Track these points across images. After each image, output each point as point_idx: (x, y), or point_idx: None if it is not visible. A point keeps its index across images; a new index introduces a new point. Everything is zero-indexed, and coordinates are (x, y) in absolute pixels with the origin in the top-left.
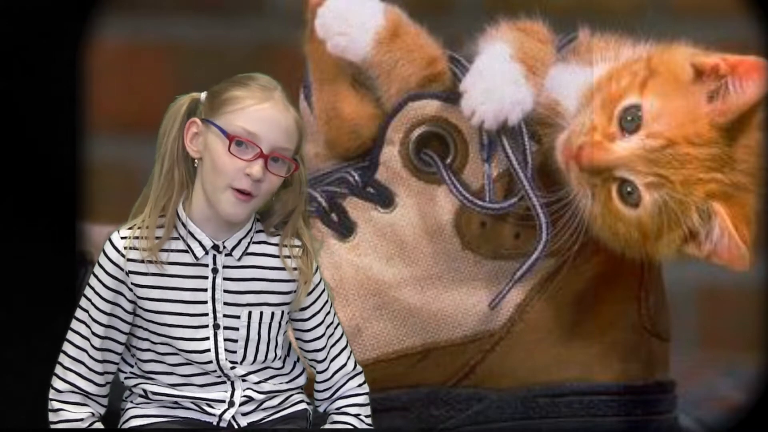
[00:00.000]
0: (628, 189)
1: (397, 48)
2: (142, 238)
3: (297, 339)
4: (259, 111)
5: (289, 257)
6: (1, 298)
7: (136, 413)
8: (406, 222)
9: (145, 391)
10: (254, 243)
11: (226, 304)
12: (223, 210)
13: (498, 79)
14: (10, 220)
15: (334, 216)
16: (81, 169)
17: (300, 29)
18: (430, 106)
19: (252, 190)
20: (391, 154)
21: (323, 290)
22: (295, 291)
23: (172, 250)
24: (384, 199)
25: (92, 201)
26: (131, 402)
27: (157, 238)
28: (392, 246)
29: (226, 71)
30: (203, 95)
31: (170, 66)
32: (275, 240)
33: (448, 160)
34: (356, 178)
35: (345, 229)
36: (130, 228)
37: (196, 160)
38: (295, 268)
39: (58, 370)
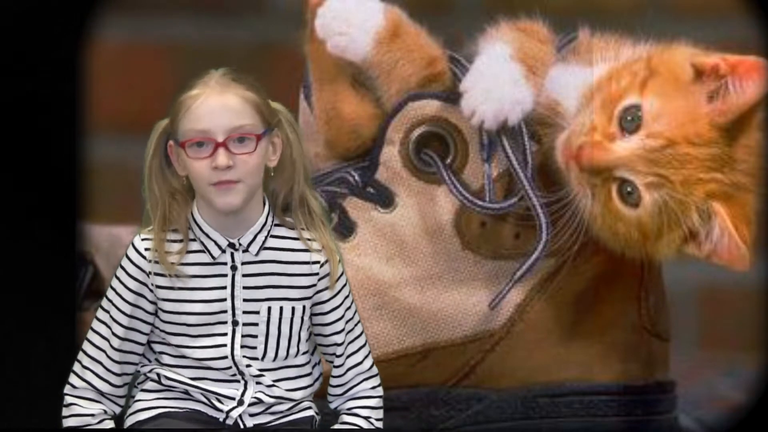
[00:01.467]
0: (628, 189)
1: (397, 48)
2: (157, 251)
3: (317, 334)
4: (197, 106)
5: (310, 240)
6: (1, 298)
7: (143, 406)
8: (406, 222)
9: (158, 375)
10: (272, 237)
11: (245, 300)
12: (217, 205)
13: (498, 79)
14: (10, 219)
15: (334, 216)
16: (81, 169)
17: (300, 29)
18: (430, 106)
19: (230, 177)
20: (391, 154)
21: (344, 284)
22: (314, 285)
23: (190, 251)
24: (384, 199)
25: (92, 201)
26: (142, 389)
27: (174, 242)
28: (392, 246)
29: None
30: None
31: (170, 66)
32: (294, 234)
33: (448, 160)
34: (356, 178)
35: (345, 229)
36: (150, 230)
37: (184, 179)
38: (319, 250)
39: (77, 367)
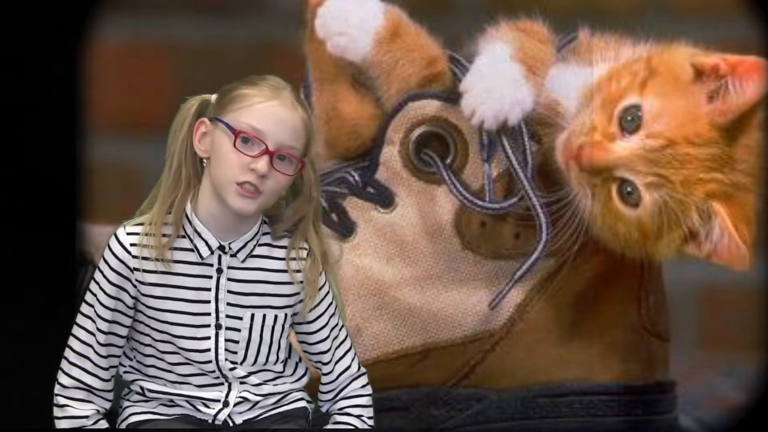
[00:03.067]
0: (628, 189)
1: (397, 48)
2: (150, 235)
3: (301, 342)
4: (265, 108)
5: (294, 259)
6: (1, 299)
7: (135, 410)
8: (406, 222)
9: (142, 388)
10: (259, 245)
11: (229, 304)
12: (231, 204)
13: (498, 79)
14: (10, 220)
15: (334, 216)
16: (81, 169)
17: (300, 29)
18: (430, 106)
19: (258, 185)
20: (391, 154)
21: (327, 292)
22: (298, 293)
23: (178, 249)
24: (384, 199)
25: (92, 201)
26: (128, 400)
27: (165, 236)
28: (392, 246)
29: (226, 71)
30: (214, 96)
31: (170, 66)
32: (281, 243)
33: (448, 160)
34: (356, 178)
35: (345, 229)
36: (136, 224)
37: (204, 160)
38: (298, 273)
39: (64, 365)
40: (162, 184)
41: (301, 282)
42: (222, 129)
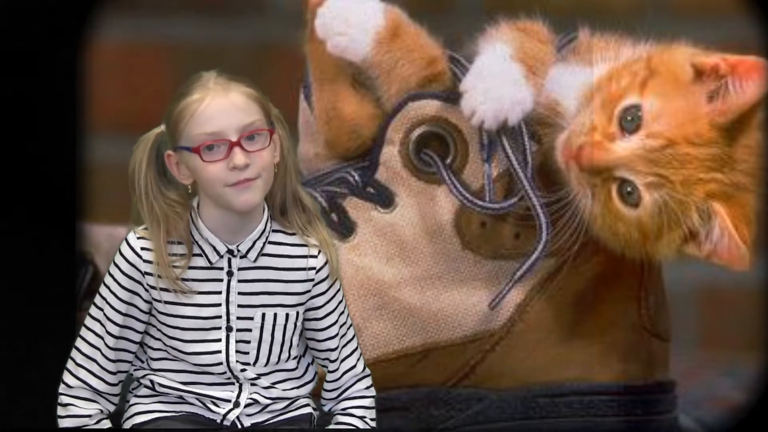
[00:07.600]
0: (628, 189)
1: (397, 48)
2: (160, 266)
3: (310, 339)
4: (205, 110)
5: (309, 237)
6: (2, 298)
7: (140, 409)
8: (406, 222)
9: (152, 382)
10: (270, 243)
11: (240, 306)
12: (236, 205)
13: (498, 79)
14: (10, 219)
15: (334, 216)
16: (81, 169)
17: (300, 29)
18: (430, 106)
19: (248, 175)
20: (391, 154)
21: (338, 290)
22: (309, 291)
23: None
24: (384, 199)
25: (92, 201)
26: (136, 395)
27: (176, 266)
28: (392, 246)
29: (226, 71)
30: (163, 126)
31: (170, 66)
32: (292, 240)
33: (448, 160)
34: (356, 178)
35: (345, 229)
36: (146, 229)
37: (189, 186)
38: (315, 255)
39: (70, 365)
40: (146, 223)
41: (316, 254)
42: (185, 153)
